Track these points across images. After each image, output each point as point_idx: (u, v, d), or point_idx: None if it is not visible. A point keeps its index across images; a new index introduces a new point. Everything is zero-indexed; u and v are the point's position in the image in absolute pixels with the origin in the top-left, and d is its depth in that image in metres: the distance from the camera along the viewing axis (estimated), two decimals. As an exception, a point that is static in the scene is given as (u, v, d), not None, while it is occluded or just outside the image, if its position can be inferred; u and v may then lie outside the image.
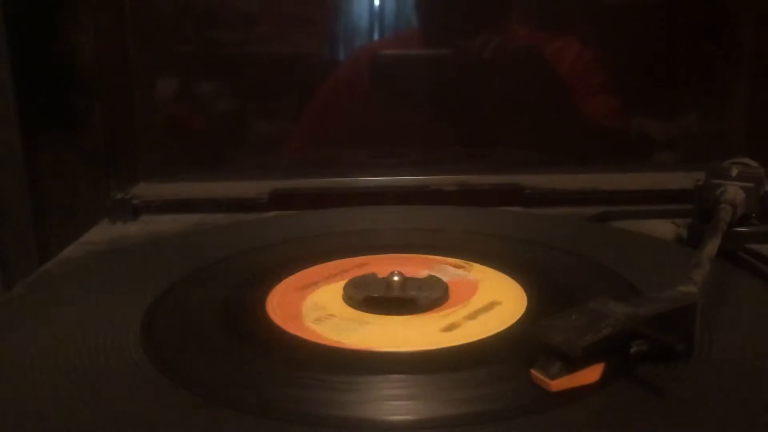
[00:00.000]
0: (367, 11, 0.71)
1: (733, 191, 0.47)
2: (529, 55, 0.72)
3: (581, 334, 0.27)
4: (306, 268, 0.43)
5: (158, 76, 0.70)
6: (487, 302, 0.38)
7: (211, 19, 0.70)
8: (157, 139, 0.71)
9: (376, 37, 0.72)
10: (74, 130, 0.62)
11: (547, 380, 0.27)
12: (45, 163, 0.56)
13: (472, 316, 0.36)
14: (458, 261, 0.44)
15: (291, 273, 0.42)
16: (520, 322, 0.35)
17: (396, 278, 0.39)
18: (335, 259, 0.45)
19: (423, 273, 0.41)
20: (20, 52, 0.53)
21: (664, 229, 0.56)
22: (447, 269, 0.43)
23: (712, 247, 0.37)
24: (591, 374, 0.27)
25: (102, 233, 0.59)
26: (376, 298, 0.37)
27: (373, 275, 0.40)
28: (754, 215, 0.49)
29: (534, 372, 0.27)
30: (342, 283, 0.40)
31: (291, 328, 0.35)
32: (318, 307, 0.37)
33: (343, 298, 0.38)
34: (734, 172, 0.49)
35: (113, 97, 0.66)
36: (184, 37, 0.71)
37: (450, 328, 0.35)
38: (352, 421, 0.27)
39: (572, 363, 0.27)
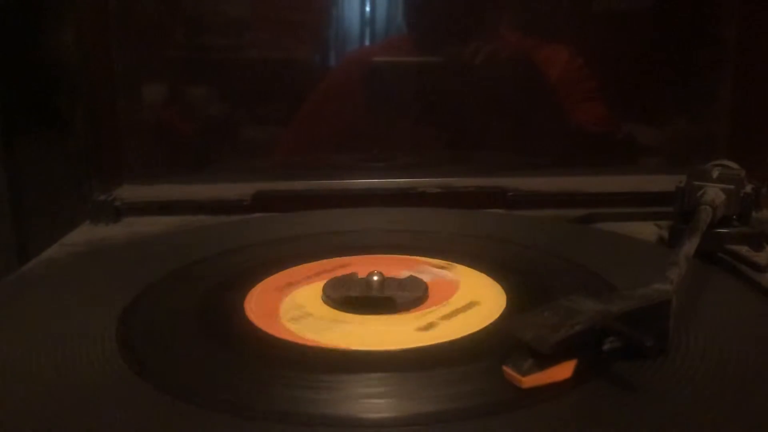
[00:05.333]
0: (357, 17, 0.71)
1: (713, 193, 0.48)
2: (515, 60, 0.72)
3: (553, 330, 0.27)
4: (285, 268, 0.43)
5: (143, 78, 0.70)
6: (467, 302, 0.38)
7: (199, 24, 0.70)
8: (141, 142, 0.70)
9: (365, 43, 0.72)
10: (57, 131, 0.62)
11: (518, 376, 0.27)
12: (26, 164, 0.56)
13: (451, 315, 0.36)
14: (440, 261, 0.44)
15: (270, 274, 0.42)
16: (498, 321, 0.35)
17: (375, 278, 0.39)
18: (315, 260, 0.45)
19: (404, 273, 0.41)
20: (1, 53, 0.53)
21: (646, 231, 0.56)
22: (428, 270, 0.43)
23: (689, 247, 0.38)
24: (563, 371, 0.27)
25: (83, 235, 0.59)
26: (355, 298, 0.37)
27: (353, 275, 0.40)
28: (734, 217, 0.50)
29: (506, 368, 0.27)
30: (321, 283, 0.39)
31: (268, 327, 0.35)
32: (296, 307, 0.37)
33: (321, 298, 0.38)
34: (715, 174, 0.49)
35: (97, 98, 0.66)
36: (170, 40, 0.70)
37: (427, 327, 0.35)
38: (329, 419, 0.26)
39: (544, 359, 0.27)
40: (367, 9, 0.70)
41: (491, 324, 0.35)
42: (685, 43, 0.72)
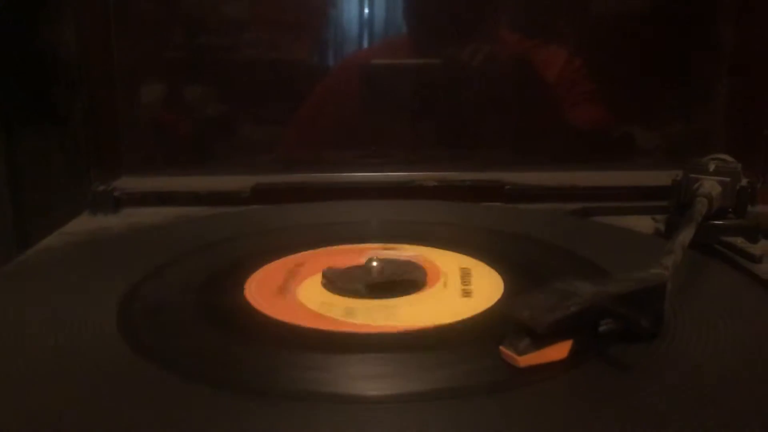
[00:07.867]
0: (355, 18, 0.71)
1: (710, 185, 0.48)
2: (513, 61, 0.72)
3: (549, 310, 0.27)
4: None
5: (142, 74, 0.71)
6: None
7: (198, 23, 0.71)
8: (140, 133, 0.71)
9: (364, 43, 0.73)
10: (57, 123, 0.62)
11: (515, 356, 0.27)
12: (27, 155, 0.56)
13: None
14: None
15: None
16: (495, 306, 0.35)
17: (375, 264, 0.39)
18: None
19: (402, 259, 0.41)
20: (2, 48, 0.53)
21: (643, 224, 0.56)
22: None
23: (685, 236, 0.38)
24: (559, 351, 0.28)
25: (82, 225, 0.59)
26: (353, 283, 0.37)
27: (353, 263, 0.40)
28: (730, 209, 0.50)
29: (503, 348, 0.28)
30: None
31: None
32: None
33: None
34: (711, 167, 0.50)
35: (96, 91, 0.66)
36: (169, 38, 0.71)
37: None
38: (328, 397, 0.27)
39: (540, 339, 0.27)
40: (366, 10, 0.71)
41: (488, 308, 0.35)
42: (681, 41, 0.72)
